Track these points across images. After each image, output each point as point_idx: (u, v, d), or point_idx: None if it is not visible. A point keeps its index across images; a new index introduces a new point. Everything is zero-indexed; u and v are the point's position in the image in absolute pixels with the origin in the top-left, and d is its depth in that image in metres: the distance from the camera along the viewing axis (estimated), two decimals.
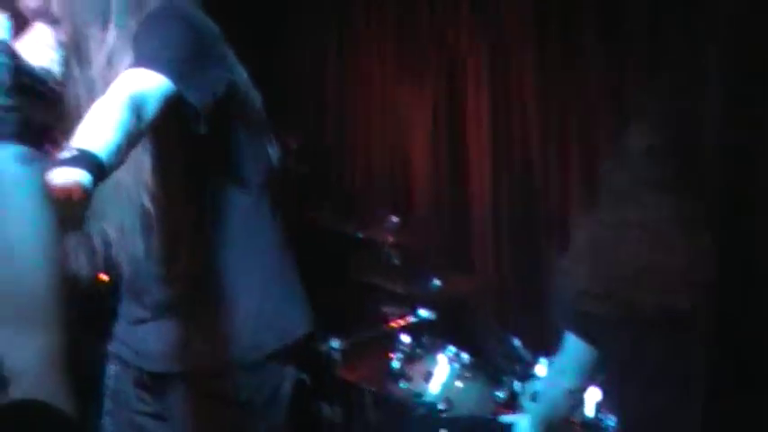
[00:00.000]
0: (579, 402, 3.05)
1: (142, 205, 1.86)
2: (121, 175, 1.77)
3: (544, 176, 4.53)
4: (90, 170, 1.43)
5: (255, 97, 2.01)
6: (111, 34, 1.81)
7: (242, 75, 1.99)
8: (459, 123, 4.84)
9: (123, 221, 1.88)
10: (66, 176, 1.40)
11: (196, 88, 1.76)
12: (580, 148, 4.33)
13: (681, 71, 3.36)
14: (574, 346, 2.92)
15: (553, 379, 3.15)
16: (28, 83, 1.32)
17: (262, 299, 2.04)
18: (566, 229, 4.25)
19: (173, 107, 1.72)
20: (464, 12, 4.78)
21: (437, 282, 3.91)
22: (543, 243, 4.47)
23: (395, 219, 4.13)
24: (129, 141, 1.58)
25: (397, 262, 4.09)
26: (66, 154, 1.45)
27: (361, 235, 4.24)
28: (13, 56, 1.33)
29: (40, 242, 1.32)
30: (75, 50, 1.82)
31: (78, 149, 1.45)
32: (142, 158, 1.82)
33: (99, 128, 1.51)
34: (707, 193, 2.88)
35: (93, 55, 1.83)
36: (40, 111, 1.34)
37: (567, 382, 3.00)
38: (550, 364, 3.26)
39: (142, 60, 1.72)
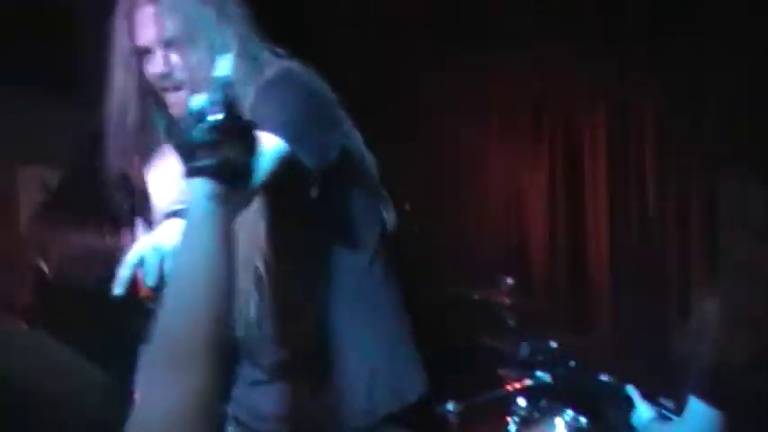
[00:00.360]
0: None
1: (256, 268, 1.90)
2: (245, 233, 1.81)
3: (664, 237, 4.50)
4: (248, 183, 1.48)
5: (370, 163, 2.04)
6: None
7: (356, 141, 2.02)
8: (576, 182, 4.85)
9: (237, 284, 1.91)
10: (176, 225, 1.47)
11: (309, 151, 1.79)
12: (702, 208, 4.33)
13: None
14: (700, 412, 2.83)
15: None
16: (229, 123, 1.39)
17: (375, 361, 2.03)
18: (687, 289, 4.25)
19: (286, 168, 1.75)
20: (580, 75, 4.83)
21: (554, 344, 3.84)
22: (663, 304, 4.43)
23: (510, 280, 4.08)
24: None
25: (512, 324, 4.03)
26: (181, 206, 1.51)
27: (476, 296, 4.19)
28: (231, 94, 1.40)
29: (211, 286, 1.37)
30: None
31: None
32: (256, 221, 1.87)
33: None
34: None
35: None
36: (235, 150, 1.41)
37: None
38: (670, 428, 3.19)
39: (261, 122, 1.74)
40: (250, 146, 1.42)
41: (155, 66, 1.92)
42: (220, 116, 1.36)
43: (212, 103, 1.37)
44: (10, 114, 4.11)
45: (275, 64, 1.94)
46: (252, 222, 1.85)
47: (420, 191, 4.73)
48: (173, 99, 1.94)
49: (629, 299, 4.66)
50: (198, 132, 1.37)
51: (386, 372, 2.04)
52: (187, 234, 1.38)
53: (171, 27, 1.90)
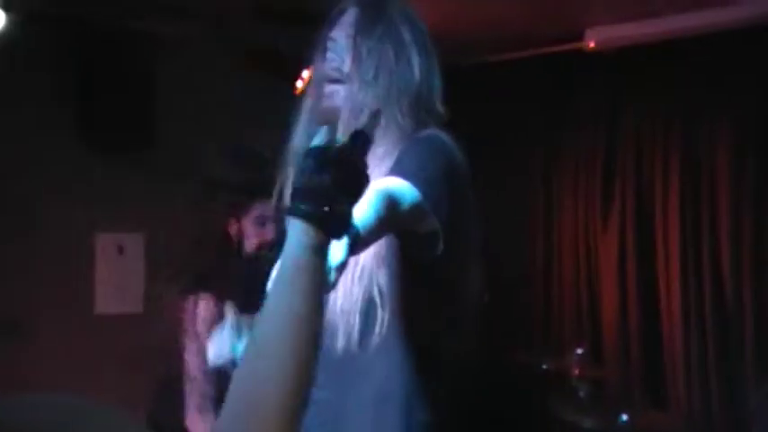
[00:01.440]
0: None
1: (371, 298, 1.97)
2: (366, 260, 1.94)
3: (739, 307, 4.44)
4: (348, 234, 1.53)
5: (478, 261, 2.09)
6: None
7: (472, 225, 2.06)
8: (648, 249, 4.84)
9: (348, 296, 2.00)
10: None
11: (440, 213, 1.85)
12: None
13: None
14: None
15: None
16: (346, 175, 1.44)
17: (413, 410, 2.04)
18: (764, 357, 4.20)
19: (418, 218, 1.84)
20: (652, 141, 4.84)
21: (625, 416, 3.81)
22: (740, 374, 4.36)
23: (580, 350, 4.09)
24: (380, 227, 1.68)
25: (582, 394, 4.02)
26: None
27: (546, 366, 4.22)
28: (358, 145, 1.48)
29: (295, 346, 1.31)
30: None
31: None
32: (384, 249, 1.95)
33: (359, 205, 1.64)
34: None
35: None
36: (343, 203, 1.45)
37: None
38: None
39: (402, 172, 1.85)
40: (356, 200, 1.41)
41: (330, 50, 2.07)
42: (339, 166, 1.35)
43: (335, 151, 1.37)
44: (89, 181, 4.28)
45: (431, 127, 2.04)
46: (376, 247, 1.93)
47: (489, 260, 4.74)
48: (328, 89, 2.05)
49: (705, 369, 4.58)
50: (312, 174, 1.35)
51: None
52: (277, 283, 1.32)
53: (358, 28, 2.06)
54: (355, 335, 1.99)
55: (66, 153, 4.23)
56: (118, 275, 4.23)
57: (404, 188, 1.81)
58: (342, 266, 1.52)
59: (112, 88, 4.22)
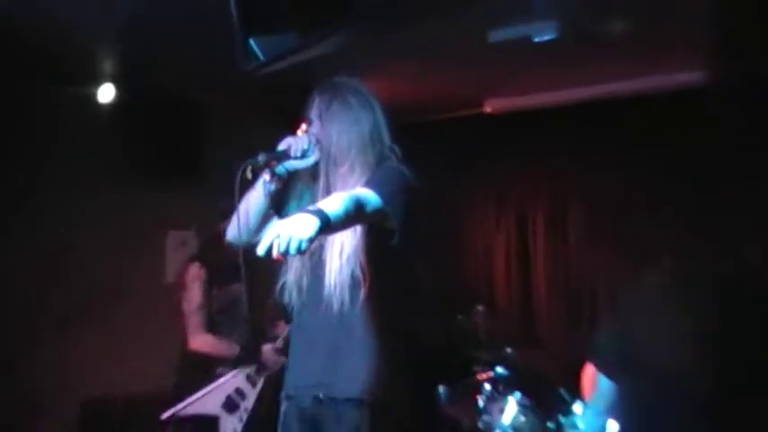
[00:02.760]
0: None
1: (353, 270, 2.32)
2: (350, 248, 2.26)
3: (583, 277, 5.41)
4: (320, 219, 1.81)
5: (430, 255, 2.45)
6: (351, 176, 2.35)
7: (426, 227, 2.34)
8: (524, 245, 5.96)
9: (339, 272, 2.29)
10: (303, 217, 1.80)
11: (397, 216, 2.17)
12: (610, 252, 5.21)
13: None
14: (606, 388, 2.95)
15: (590, 419, 3.23)
16: None
17: (375, 354, 2.37)
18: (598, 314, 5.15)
19: (379, 219, 2.16)
20: (527, 183, 5.83)
21: (509, 350, 4.66)
22: (585, 324, 5.28)
23: (480, 307, 4.93)
24: (346, 218, 1.94)
25: (483, 337, 4.83)
26: (308, 207, 1.89)
27: (459, 318, 5.01)
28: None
29: None
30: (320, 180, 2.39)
31: (316, 207, 1.87)
32: (359, 240, 2.30)
33: (333, 203, 1.92)
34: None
35: (318, 186, 2.39)
36: None
37: (602, 422, 3.05)
38: (586, 407, 3.40)
39: (371, 185, 2.17)
40: None
41: (309, 126, 2.43)
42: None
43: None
44: (159, 193, 5.06)
45: (393, 160, 2.40)
46: (357, 240, 2.27)
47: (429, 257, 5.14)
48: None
49: (562, 317, 5.55)
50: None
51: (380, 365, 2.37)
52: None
53: (321, 108, 2.41)
54: (346, 300, 2.29)
55: (152, 184, 5.00)
56: (180, 262, 4.61)
57: (370, 196, 2.09)
58: (311, 240, 1.75)
59: (177, 145, 4.99)
